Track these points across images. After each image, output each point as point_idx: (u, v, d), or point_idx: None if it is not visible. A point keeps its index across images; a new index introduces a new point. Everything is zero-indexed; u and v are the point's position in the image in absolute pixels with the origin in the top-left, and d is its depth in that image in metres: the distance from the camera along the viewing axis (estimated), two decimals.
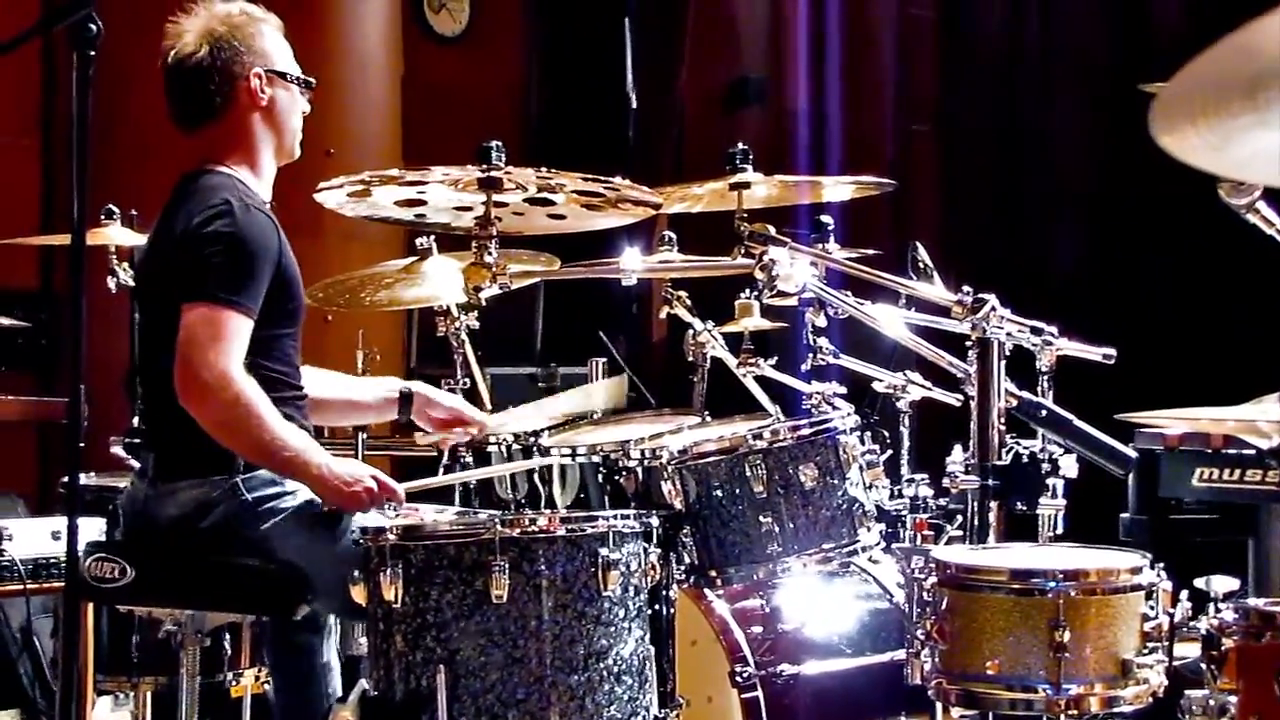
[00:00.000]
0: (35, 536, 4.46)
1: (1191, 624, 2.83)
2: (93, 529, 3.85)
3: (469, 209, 3.70)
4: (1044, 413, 3.30)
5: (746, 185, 3.97)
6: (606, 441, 4.01)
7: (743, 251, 3.75)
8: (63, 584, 4.12)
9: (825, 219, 4.19)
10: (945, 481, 3.39)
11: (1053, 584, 2.77)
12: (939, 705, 3.14)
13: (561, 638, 3.11)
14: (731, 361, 4.43)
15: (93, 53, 2.79)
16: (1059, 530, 3.31)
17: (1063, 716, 2.79)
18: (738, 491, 3.55)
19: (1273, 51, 1.42)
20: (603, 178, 3.63)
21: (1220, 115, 1.50)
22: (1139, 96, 1.81)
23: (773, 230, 3.76)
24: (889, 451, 4.08)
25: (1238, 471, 4.72)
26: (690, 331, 4.47)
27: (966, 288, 3.35)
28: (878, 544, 3.70)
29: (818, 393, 4.18)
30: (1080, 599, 2.77)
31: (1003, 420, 3.29)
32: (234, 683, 4.21)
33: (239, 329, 3.42)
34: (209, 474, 3.52)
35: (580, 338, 6.44)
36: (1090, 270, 8.46)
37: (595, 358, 5.31)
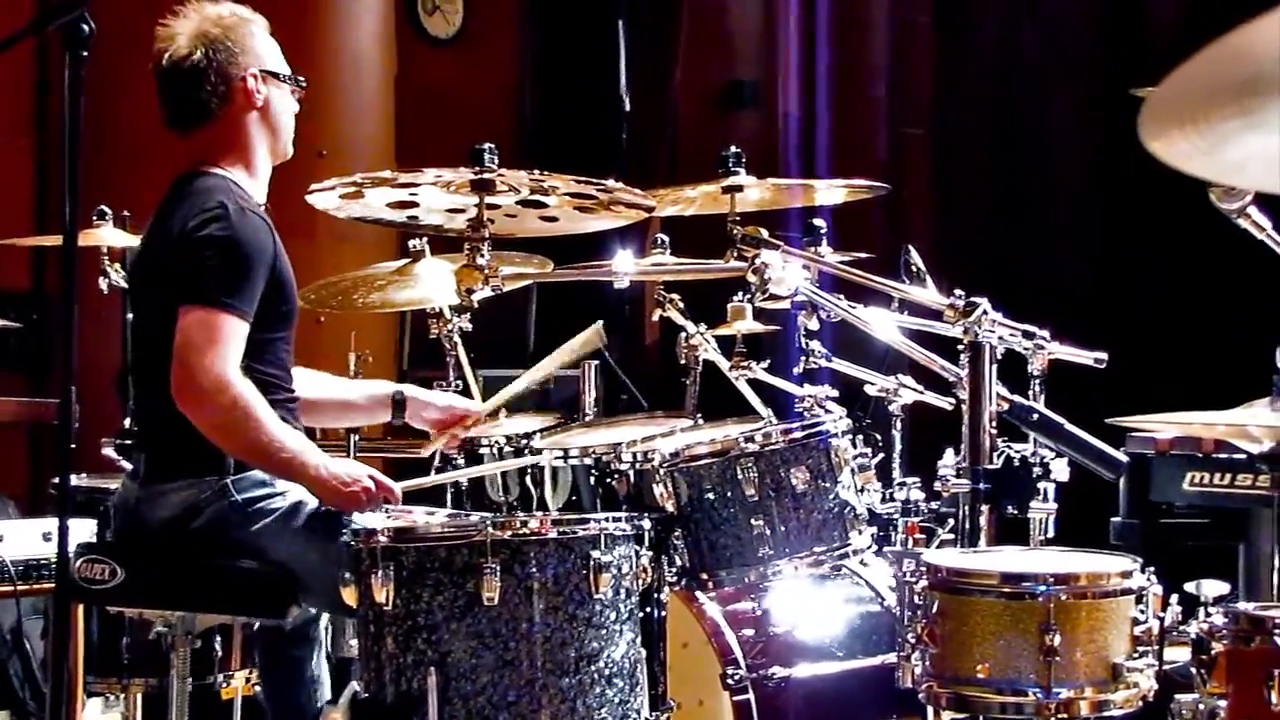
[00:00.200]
0: (26, 538, 4.45)
1: (1182, 628, 2.83)
2: (84, 530, 3.86)
3: (461, 211, 3.70)
4: (1035, 416, 3.30)
5: (739, 188, 3.97)
6: (598, 444, 4.01)
7: (735, 254, 3.76)
8: (53, 585, 4.12)
9: (818, 222, 4.20)
10: (937, 485, 3.39)
11: (1043, 588, 2.77)
12: (930, 708, 3.13)
13: (553, 640, 3.11)
14: (724, 364, 4.43)
15: (86, 53, 2.79)
16: (1050, 534, 3.31)
17: None
18: (729, 494, 3.55)
19: (1263, 56, 1.42)
20: (596, 180, 3.63)
21: (1210, 120, 1.50)
22: (1132, 101, 1.81)
23: (765, 233, 3.76)
24: (880, 455, 4.09)
25: (1228, 476, 4.73)
26: (683, 334, 4.47)
27: (959, 291, 3.35)
28: (869, 547, 3.70)
29: (810, 396, 4.18)
30: (1071, 603, 2.77)
31: (994, 424, 3.29)
32: (225, 685, 4.20)
33: (235, 332, 3.43)
34: (199, 475, 3.52)
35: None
36: (1082, 275, 8.47)
37: (588, 360, 5.31)
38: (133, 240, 4.72)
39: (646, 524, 3.34)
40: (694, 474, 3.58)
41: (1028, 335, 3.41)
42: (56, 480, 2.92)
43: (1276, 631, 2.55)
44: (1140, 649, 2.80)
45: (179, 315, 3.43)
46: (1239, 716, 2.59)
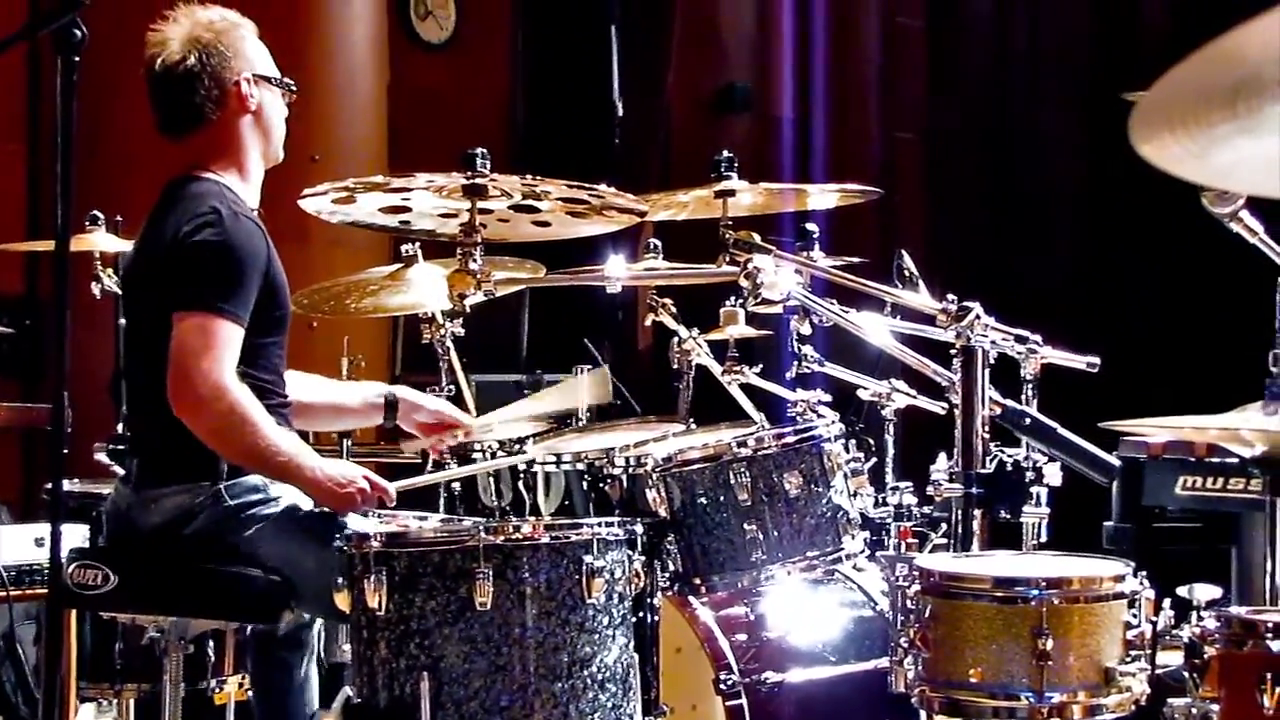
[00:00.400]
0: (18, 543, 4.45)
1: (1174, 632, 2.83)
2: (76, 536, 3.85)
3: (454, 215, 3.70)
4: (1028, 421, 3.30)
5: (732, 193, 3.97)
6: (591, 449, 4.01)
7: (728, 259, 3.75)
8: (46, 591, 4.12)
9: (811, 227, 4.20)
10: (929, 489, 3.39)
11: (1036, 592, 2.77)
12: (923, 713, 3.13)
13: (545, 645, 3.10)
14: (717, 369, 4.43)
15: (77, 58, 2.79)
16: (1042, 538, 3.31)
17: None
18: (722, 499, 3.55)
19: (1253, 59, 1.43)
20: (588, 185, 3.63)
21: (1200, 124, 1.50)
22: (1123, 105, 1.82)
23: (758, 238, 3.76)
24: (873, 459, 4.09)
25: (1221, 480, 4.73)
26: (675, 339, 4.47)
27: (951, 296, 3.35)
28: (862, 552, 3.70)
29: (803, 400, 4.18)
30: (1063, 607, 2.77)
31: (987, 428, 3.29)
32: (217, 690, 4.20)
33: (231, 337, 3.43)
34: (193, 481, 3.52)
35: (565, 345, 6.44)
36: (1075, 279, 8.49)
37: (581, 365, 5.31)
38: (125, 245, 4.72)
39: (639, 529, 3.34)
40: (687, 479, 3.58)
41: (1020, 339, 3.40)
42: (49, 485, 2.91)
43: (1269, 636, 2.54)
44: (1133, 653, 2.80)
45: (174, 321, 3.43)
46: None
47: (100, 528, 3.68)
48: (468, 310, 3.70)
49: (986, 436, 3.29)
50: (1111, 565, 2.91)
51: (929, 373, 3.54)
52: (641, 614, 3.42)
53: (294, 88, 3.83)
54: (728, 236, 3.77)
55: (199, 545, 3.50)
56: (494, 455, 4.33)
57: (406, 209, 3.77)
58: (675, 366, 4.49)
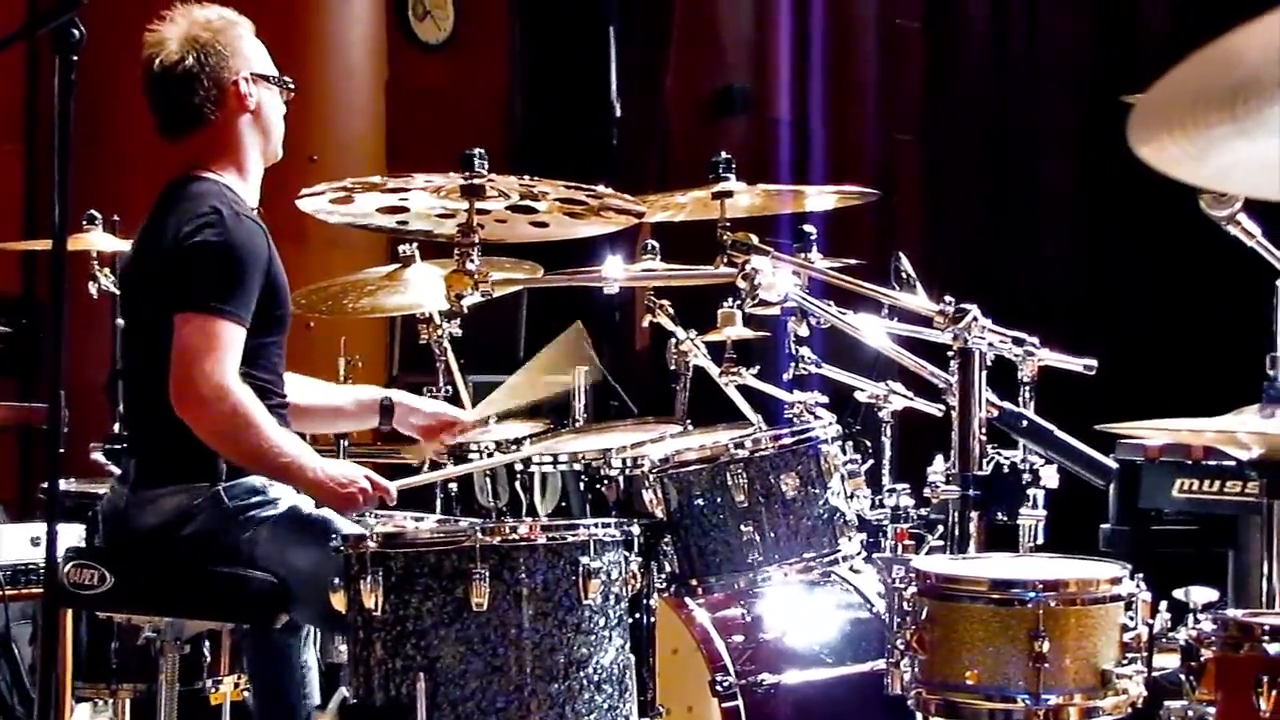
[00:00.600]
0: (14, 542, 4.44)
1: (1171, 635, 2.83)
2: (72, 535, 3.84)
3: (452, 216, 3.70)
4: (1025, 423, 3.31)
5: (730, 194, 3.96)
6: (588, 449, 4.01)
7: (725, 260, 3.75)
8: (42, 590, 4.12)
9: (808, 228, 4.19)
10: (926, 491, 3.40)
11: (1032, 594, 2.77)
12: (919, 715, 3.13)
13: (541, 646, 3.10)
14: (714, 370, 4.43)
15: (75, 58, 2.79)
16: (1039, 540, 3.31)
17: None
18: (719, 500, 3.55)
19: (1251, 61, 1.42)
20: (586, 185, 3.63)
21: (1199, 125, 1.50)
22: (1122, 107, 1.82)
23: (755, 239, 3.76)
24: (870, 461, 4.09)
25: (1218, 483, 4.73)
26: (673, 340, 4.47)
27: (948, 298, 3.35)
28: (859, 553, 3.70)
29: (799, 402, 4.18)
30: (1060, 609, 2.77)
31: (984, 430, 3.29)
32: (213, 690, 4.20)
33: (233, 338, 3.44)
34: (191, 481, 3.52)
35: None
36: (1072, 281, 8.48)
37: (578, 365, 5.30)
38: (122, 245, 4.72)
39: (636, 530, 3.34)
40: (684, 480, 3.58)
41: (1017, 342, 3.41)
42: (45, 485, 2.91)
43: (1265, 638, 2.54)
44: (1129, 655, 2.80)
45: (176, 322, 3.43)
46: None
47: (96, 527, 3.68)
48: (465, 311, 3.70)
49: (983, 439, 3.29)
50: (1108, 568, 2.91)
51: (926, 375, 3.54)
52: (638, 615, 3.42)
53: (292, 85, 3.82)
54: (725, 238, 3.77)
55: (196, 546, 3.50)
56: (491, 455, 4.32)
57: (404, 209, 3.77)
58: (672, 368, 4.49)
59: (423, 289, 4.49)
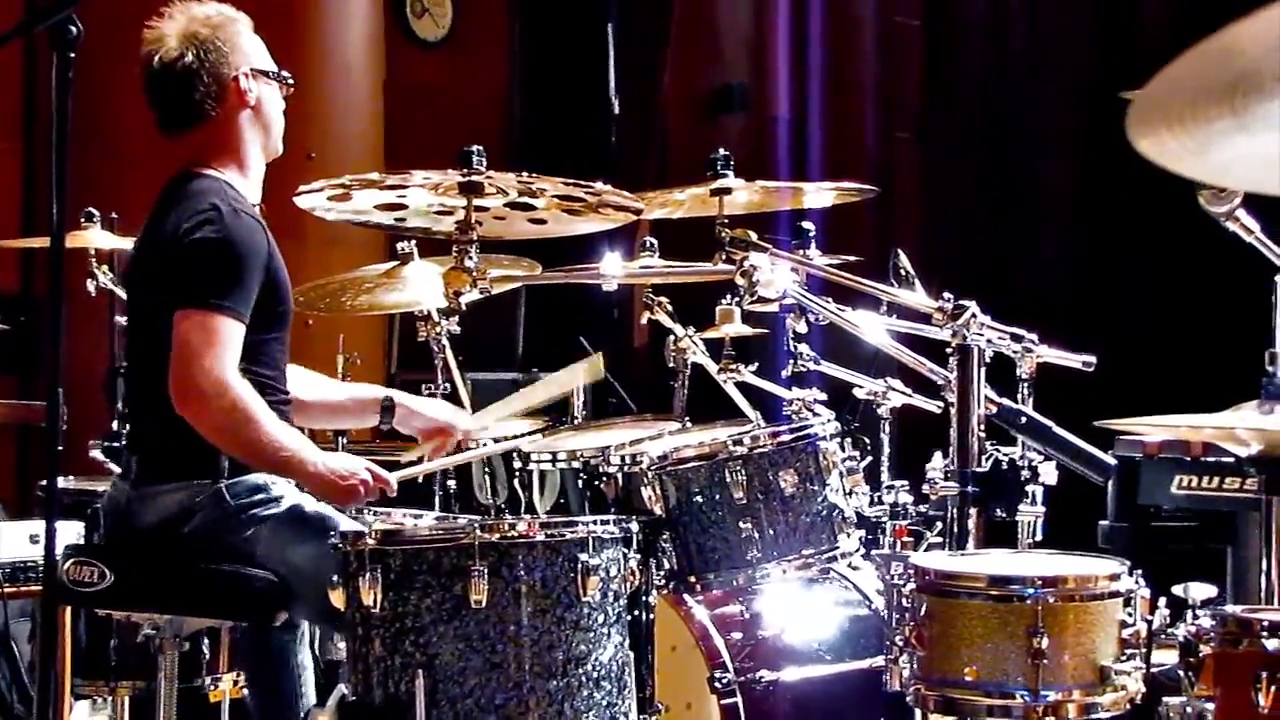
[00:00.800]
0: (13, 540, 4.44)
1: (1169, 631, 2.83)
2: (71, 533, 3.84)
3: (450, 213, 3.70)
4: (1024, 420, 3.30)
5: (728, 191, 3.97)
6: (587, 447, 4.01)
7: (724, 257, 3.75)
8: (41, 588, 4.11)
9: (807, 225, 4.20)
10: (925, 488, 3.39)
11: (1031, 590, 2.77)
12: (918, 711, 3.13)
13: (540, 643, 3.10)
14: (712, 367, 4.43)
15: (73, 54, 2.78)
16: (1038, 537, 3.31)
17: None
18: (718, 497, 3.55)
19: (1251, 56, 1.42)
20: (584, 182, 3.63)
21: (1198, 120, 1.50)
22: (1121, 103, 1.81)
23: (754, 236, 3.76)
24: (869, 458, 4.09)
25: (1216, 479, 4.73)
26: (671, 337, 4.47)
27: (947, 294, 3.35)
28: (857, 550, 3.70)
29: (798, 399, 4.18)
30: (1059, 605, 2.77)
31: (983, 427, 3.29)
32: (212, 687, 4.20)
33: (232, 334, 3.43)
34: (192, 478, 3.52)
35: (561, 343, 6.44)
36: (1071, 278, 8.48)
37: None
38: (120, 242, 4.73)
39: (635, 527, 3.33)
40: (682, 477, 3.58)
41: (1016, 338, 3.41)
42: (44, 482, 2.91)
43: (1264, 634, 2.54)
44: (1128, 652, 2.80)
45: (176, 319, 3.43)
46: (1226, 719, 2.59)
47: (97, 524, 3.68)
48: (463, 308, 3.69)
49: (982, 435, 3.29)
50: (1107, 564, 2.91)
51: (925, 371, 3.54)
52: (637, 612, 3.42)
53: (291, 81, 3.82)
54: (724, 235, 3.77)
55: (198, 543, 3.50)
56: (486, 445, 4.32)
57: (402, 206, 3.77)
58: (671, 365, 4.49)
59: (421, 286, 4.49)
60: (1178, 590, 2.91)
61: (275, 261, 3.62)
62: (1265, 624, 2.55)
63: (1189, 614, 2.77)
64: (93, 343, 5.08)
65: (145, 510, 3.56)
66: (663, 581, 3.60)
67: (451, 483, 4.58)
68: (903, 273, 3.88)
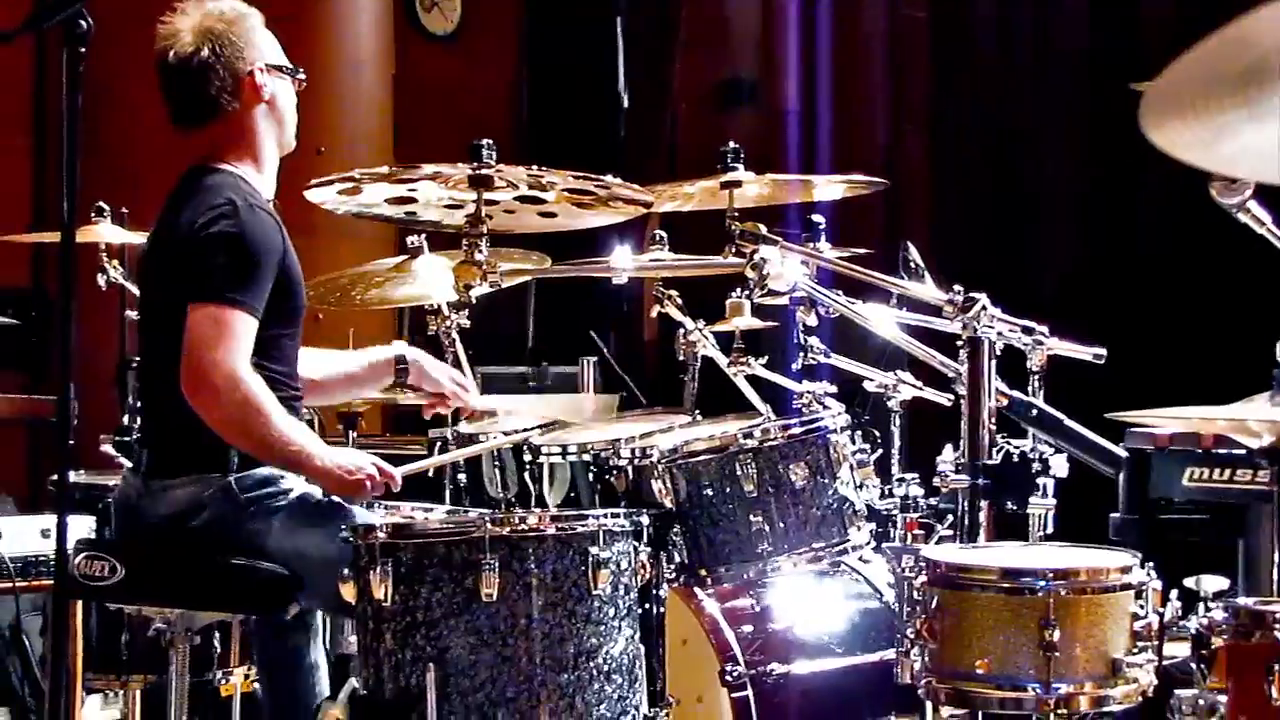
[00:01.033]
0: (25, 534, 4.45)
1: (1181, 623, 2.83)
2: (82, 527, 3.85)
3: (460, 207, 3.70)
4: (1034, 412, 3.30)
5: (738, 184, 3.96)
6: (597, 440, 4.01)
7: (734, 250, 3.75)
8: (52, 582, 4.12)
9: (816, 218, 4.19)
10: (936, 481, 3.39)
11: (1043, 583, 2.76)
12: (929, 704, 3.13)
13: (551, 636, 3.10)
14: (722, 360, 4.43)
15: (83, 49, 2.78)
16: (1049, 529, 3.30)
17: (1052, 715, 2.79)
18: (728, 490, 3.55)
19: (1264, 46, 1.42)
20: (594, 176, 3.62)
21: (1210, 110, 1.50)
22: (1131, 96, 1.81)
23: (764, 229, 3.76)
24: (879, 451, 4.09)
25: (1228, 471, 4.72)
26: (681, 330, 4.47)
27: (957, 287, 3.35)
28: (868, 543, 3.70)
29: (808, 392, 4.18)
30: (1070, 598, 2.77)
31: (993, 420, 3.28)
32: (223, 681, 4.20)
33: (245, 328, 3.44)
34: (203, 471, 3.53)
35: (571, 336, 6.44)
36: (1081, 270, 8.46)
37: (586, 356, 5.31)
38: (131, 237, 4.73)
39: (645, 520, 3.33)
40: (693, 470, 3.58)
41: (1027, 330, 3.40)
42: (55, 477, 2.91)
43: (1277, 626, 2.54)
44: (1140, 644, 2.80)
45: (188, 312, 3.43)
46: (1239, 711, 2.59)
47: (108, 518, 3.68)
48: (473, 302, 3.69)
49: (993, 428, 3.29)
50: (1118, 556, 2.91)
51: (935, 364, 3.53)
52: (647, 605, 3.42)
53: (303, 75, 3.83)
54: (734, 228, 3.77)
55: (207, 537, 3.50)
56: (499, 449, 4.32)
57: (412, 200, 3.77)
58: (681, 358, 4.49)
59: (431, 280, 4.48)
60: (1189, 583, 2.91)
61: (289, 257, 3.62)
62: (1277, 616, 2.55)
63: (1201, 606, 2.77)
64: (104, 338, 5.09)
65: (156, 504, 3.57)
66: (673, 575, 3.60)
67: (462, 476, 4.57)
68: (913, 265, 3.88)
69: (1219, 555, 4.62)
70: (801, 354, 4.38)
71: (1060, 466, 3.27)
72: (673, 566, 3.59)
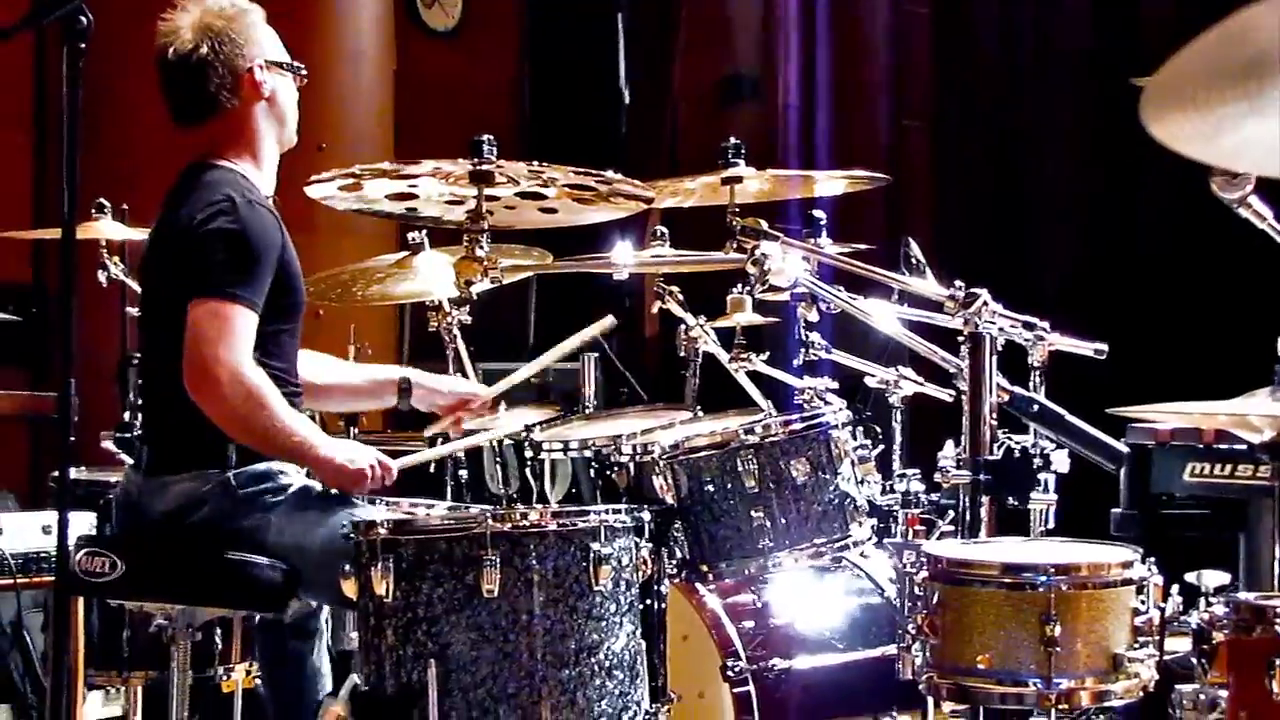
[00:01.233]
0: (26, 531, 4.45)
1: (1182, 618, 2.83)
2: (83, 523, 3.85)
3: (461, 203, 3.70)
4: (1036, 408, 3.30)
5: (739, 180, 3.96)
6: (598, 436, 4.01)
7: (735, 246, 3.74)
8: (54, 578, 4.12)
9: (818, 214, 4.19)
10: (937, 476, 3.38)
11: (1044, 578, 2.77)
12: (930, 700, 3.13)
13: (553, 632, 3.10)
14: (724, 356, 4.43)
15: (83, 46, 2.78)
16: (1050, 525, 3.31)
17: (1053, 711, 2.79)
18: (729, 486, 3.54)
19: (1265, 39, 1.42)
20: (595, 172, 3.62)
21: (1211, 103, 1.49)
22: (1132, 91, 1.81)
23: (765, 225, 3.75)
24: (881, 446, 4.08)
25: (1229, 466, 4.73)
26: (682, 326, 4.47)
27: (959, 283, 3.35)
28: (869, 539, 3.69)
29: (810, 388, 4.18)
30: (1071, 593, 2.77)
31: (994, 415, 3.28)
32: (225, 677, 4.20)
33: (246, 323, 3.45)
34: (201, 467, 3.53)
35: (572, 332, 6.44)
36: (1082, 265, 8.46)
37: (587, 352, 5.30)
38: (131, 233, 4.72)
39: (646, 516, 3.33)
40: (694, 466, 3.58)
41: (1028, 326, 3.40)
42: (56, 473, 2.92)
43: (1277, 621, 2.54)
44: (1141, 639, 2.80)
45: (190, 307, 3.44)
46: (1240, 706, 2.59)
47: (108, 515, 3.68)
48: (475, 298, 3.69)
49: (994, 423, 3.28)
50: (1119, 551, 2.91)
51: (937, 360, 3.53)
52: (648, 601, 3.42)
53: (304, 71, 3.83)
54: (735, 224, 3.77)
55: (207, 532, 3.50)
56: (500, 445, 4.32)
57: (413, 196, 3.77)
58: (682, 354, 4.49)
59: (432, 276, 4.49)
60: (1190, 578, 2.91)
61: (288, 253, 3.63)
62: (1278, 611, 2.55)
63: (1202, 601, 2.77)
64: (104, 334, 5.08)
65: (156, 500, 3.57)
66: (675, 570, 3.60)
67: (463, 472, 4.57)
68: (914, 261, 3.88)
69: (1220, 550, 4.63)
70: (803, 350, 4.38)
71: (1061, 462, 3.27)
72: (674, 562, 3.59)
